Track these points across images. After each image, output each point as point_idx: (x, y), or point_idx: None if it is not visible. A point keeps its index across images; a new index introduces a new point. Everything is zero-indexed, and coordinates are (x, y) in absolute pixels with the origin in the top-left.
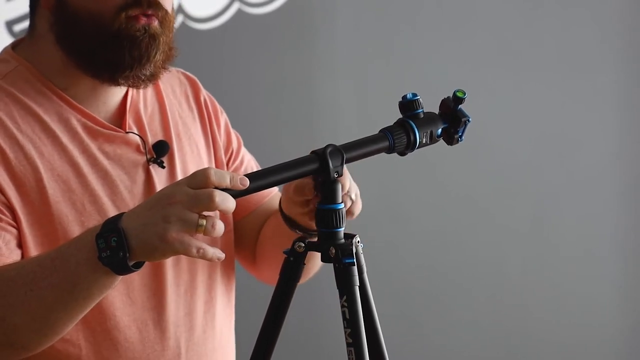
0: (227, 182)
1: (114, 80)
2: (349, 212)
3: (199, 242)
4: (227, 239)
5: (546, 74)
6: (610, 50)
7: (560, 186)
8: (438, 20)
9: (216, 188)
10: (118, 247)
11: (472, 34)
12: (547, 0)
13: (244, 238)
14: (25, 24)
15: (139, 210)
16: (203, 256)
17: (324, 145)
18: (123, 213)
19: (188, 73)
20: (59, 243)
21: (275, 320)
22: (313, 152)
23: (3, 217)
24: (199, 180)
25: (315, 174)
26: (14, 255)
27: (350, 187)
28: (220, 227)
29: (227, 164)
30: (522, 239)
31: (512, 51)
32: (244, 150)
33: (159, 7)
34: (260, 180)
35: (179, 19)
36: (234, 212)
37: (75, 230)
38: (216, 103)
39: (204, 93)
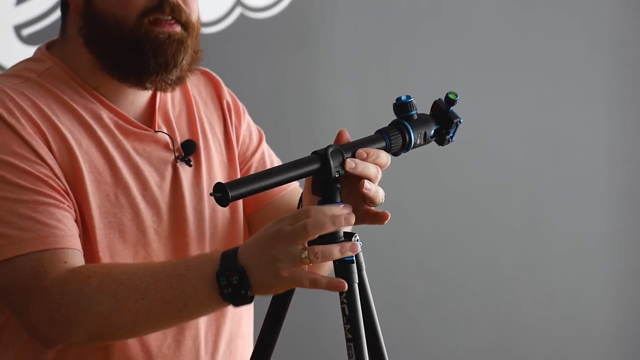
0: (329, 228)
1: (140, 84)
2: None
3: (311, 274)
4: (238, 231)
5: (540, 77)
6: (601, 54)
7: (554, 185)
8: (436, 25)
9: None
10: (240, 285)
11: (469, 38)
12: (541, 8)
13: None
14: (33, 28)
15: (251, 247)
16: (316, 287)
17: (324, 147)
18: (237, 248)
19: (212, 73)
20: (91, 233)
21: (276, 317)
22: (314, 152)
23: (65, 201)
24: (299, 219)
25: (317, 174)
26: (78, 239)
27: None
28: (324, 253)
29: (247, 161)
30: (517, 237)
31: (507, 55)
32: (264, 146)
33: (181, 12)
34: (264, 180)
35: None
36: (248, 206)
37: (109, 221)
38: (238, 102)
39: (227, 93)
